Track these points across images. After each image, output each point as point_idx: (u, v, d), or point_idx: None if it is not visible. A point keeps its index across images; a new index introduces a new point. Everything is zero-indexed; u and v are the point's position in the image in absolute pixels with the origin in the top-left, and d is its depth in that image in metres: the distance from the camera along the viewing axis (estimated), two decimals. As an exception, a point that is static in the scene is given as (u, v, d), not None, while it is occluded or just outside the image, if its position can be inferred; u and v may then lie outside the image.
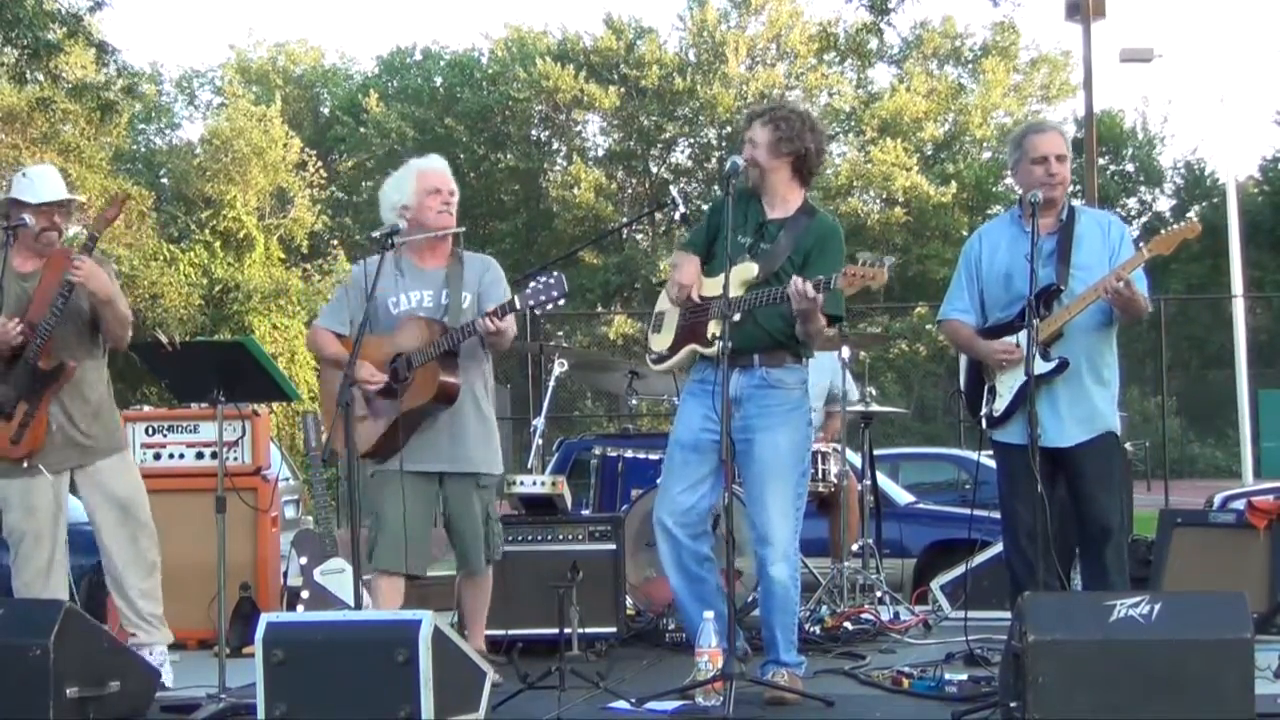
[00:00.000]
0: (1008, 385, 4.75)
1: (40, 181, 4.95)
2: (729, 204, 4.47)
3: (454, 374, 4.67)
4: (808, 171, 4.69)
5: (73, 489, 5.05)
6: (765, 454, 4.53)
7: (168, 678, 4.81)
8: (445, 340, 4.61)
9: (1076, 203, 5.15)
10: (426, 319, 4.71)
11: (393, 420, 4.65)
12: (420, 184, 4.79)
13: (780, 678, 4.44)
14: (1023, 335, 4.60)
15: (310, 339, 5.03)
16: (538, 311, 4.60)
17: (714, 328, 4.51)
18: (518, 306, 4.52)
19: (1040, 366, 4.56)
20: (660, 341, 4.83)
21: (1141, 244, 4.74)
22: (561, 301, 4.52)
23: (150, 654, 4.82)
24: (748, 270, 4.53)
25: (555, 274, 4.53)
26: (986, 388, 4.83)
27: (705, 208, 5.48)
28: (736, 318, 4.39)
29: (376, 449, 4.72)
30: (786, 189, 4.66)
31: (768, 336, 4.54)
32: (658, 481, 6.00)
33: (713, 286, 4.59)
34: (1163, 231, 4.77)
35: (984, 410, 4.82)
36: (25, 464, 4.87)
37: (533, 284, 4.53)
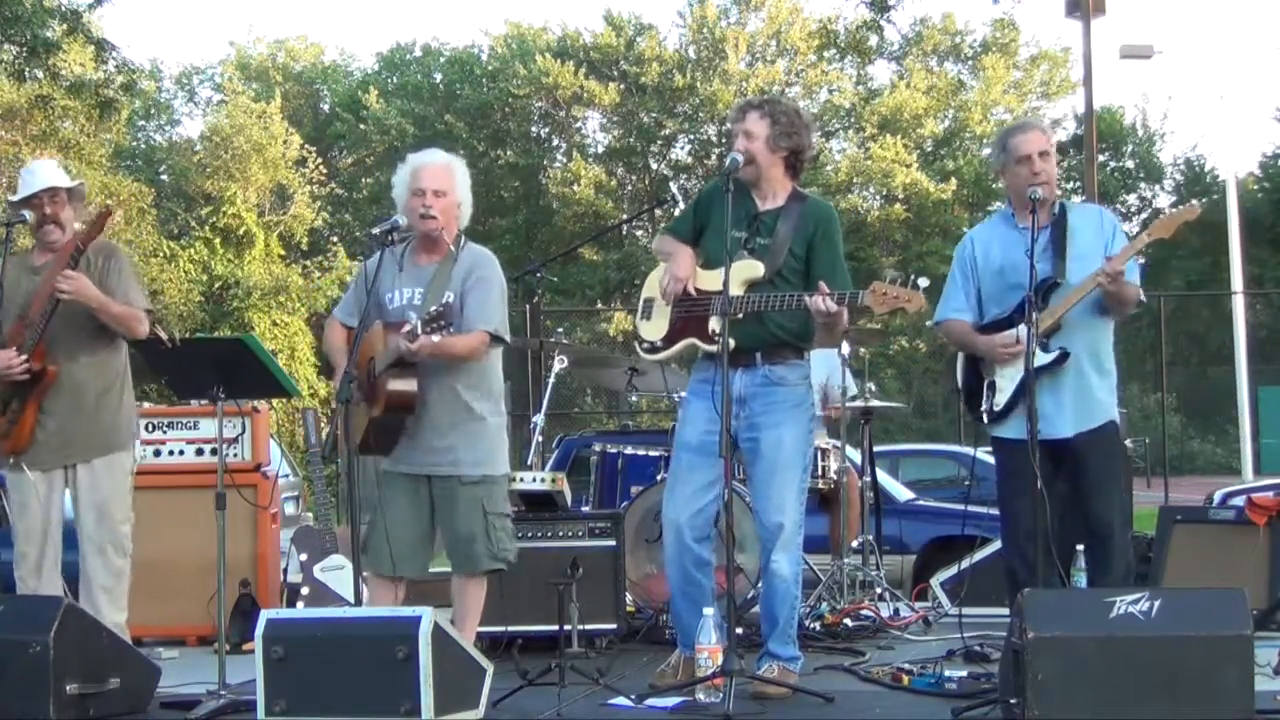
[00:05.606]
0: (1008, 379, 4.74)
1: (29, 175, 4.98)
2: (729, 201, 4.46)
3: (405, 380, 4.45)
4: (800, 167, 4.71)
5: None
6: (771, 451, 4.53)
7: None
8: (389, 353, 4.41)
9: (1066, 197, 5.16)
10: (391, 326, 4.48)
11: (367, 421, 4.53)
12: (410, 182, 4.64)
13: (772, 671, 4.45)
14: (1022, 329, 4.60)
15: (325, 331, 4.91)
16: (435, 339, 4.27)
17: (715, 324, 4.48)
18: (418, 333, 4.24)
19: (1040, 358, 4.56)
20: (652, 330, 4.78)
21: (1144, 232, 4.75)
22: (449, 330, 4.29)
23: None
24: (753, 269, 4.51)
25: (447, 303, 4.30)
26: (986, 383, 4.83)
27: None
28: (740, 316, 4.39)
29: (363, 445, 4.56)
30: (779, 182, 4.67)
31: (771, 335, 4.54)
32: (658, 478, 6.03)
33: (710, 280, 4.57)
34: (1163, 215, 4.78)
35: (984, 406, 4.82)
36: (10, 460, 4.88)
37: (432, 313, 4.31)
